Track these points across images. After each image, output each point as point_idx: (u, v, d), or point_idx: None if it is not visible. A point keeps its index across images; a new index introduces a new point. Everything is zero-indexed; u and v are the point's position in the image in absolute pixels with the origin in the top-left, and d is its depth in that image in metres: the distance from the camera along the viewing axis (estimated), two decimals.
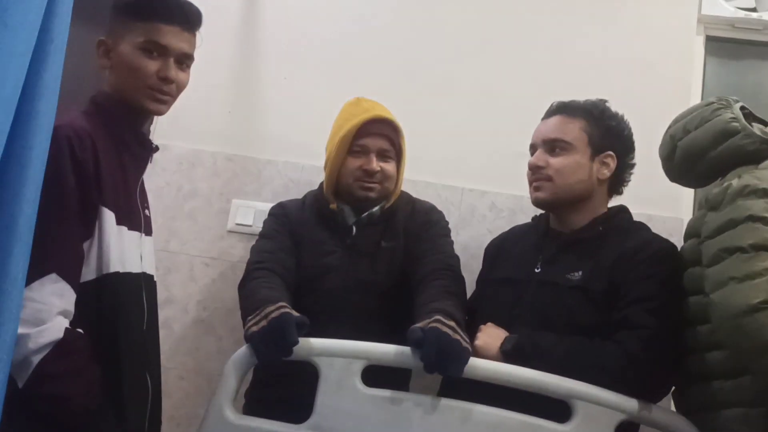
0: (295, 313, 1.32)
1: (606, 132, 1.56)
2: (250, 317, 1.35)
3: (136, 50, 1.33)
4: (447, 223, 1.79)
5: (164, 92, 1.36)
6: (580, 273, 1.46)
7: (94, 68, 1.42)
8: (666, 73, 2.15)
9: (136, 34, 1.33)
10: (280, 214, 1.75)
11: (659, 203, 2.02)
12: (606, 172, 1.56)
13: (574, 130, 1.55)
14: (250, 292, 1.48)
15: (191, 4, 1.41)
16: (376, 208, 1.70)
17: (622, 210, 1.60)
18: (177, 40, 1.35)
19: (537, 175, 1.56)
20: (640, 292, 1.39)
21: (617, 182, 1.61)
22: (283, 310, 1.31)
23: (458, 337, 1.27)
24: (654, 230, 1.58)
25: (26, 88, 1.00)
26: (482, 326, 1.47)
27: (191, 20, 1.39)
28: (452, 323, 1.29)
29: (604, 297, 1.42)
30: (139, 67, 1.33)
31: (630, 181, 1.63)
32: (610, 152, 1.56)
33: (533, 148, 1.61)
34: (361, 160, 1.68)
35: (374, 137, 1.68)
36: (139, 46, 1.33)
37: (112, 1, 1.40)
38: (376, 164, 1.67)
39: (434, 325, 1.28)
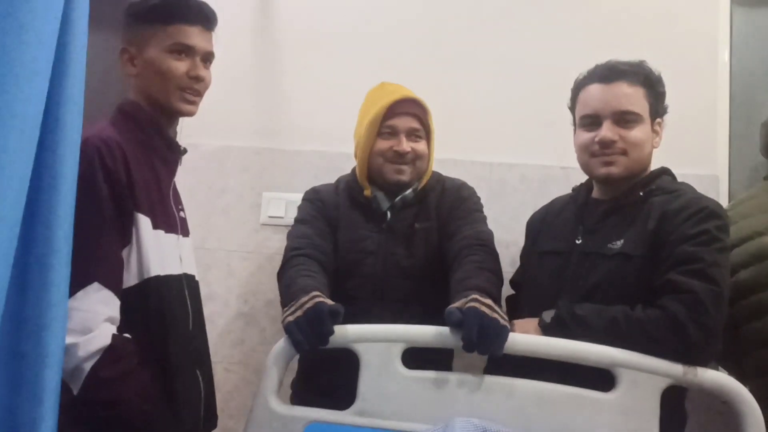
0: (329, 302, 1.32)
1: (658, 99, 1.51)
2: (285, 308, 1.36)
3: (164, 53, 1.36)
4: (479, 198, 1.77)
5: (195, 91, 1.40)
6: (622, 241, 1.42)
7: (115, 77, 1.43)
8: (692, 26, 2.09)
9: (160, 38, 1.36)
10: (314, 199, 1.75)
11: (692, 161, 1.97)
12: (659, 140, 1.52)
13: (640, 100, 1.47)
14: (289, 280, 1.48)
15: (206, 4, 1.43)
16: (408, 191, 1.70)
17: (664, 171, 1.53)
18: (200, 40, 1.39)
19: (611, 149, 1.46)
20: (684, 253, 1.32)
21: None
22: (316, 300, 1.31)
23: (496, 316, 1.25)
24: None
25: (50, 100, 1.01)
26: (514, 321, 1.42)
27: (210, 19, 1.42)
28: (489, 301, 1.28)
29: (647, 263, 1.37)
30: (169, 69, 1.36)
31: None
32: (660, 119, 1.52)
33: (594, 118, 1.48)
34: (392, 141, 1.67)
35: (403, 117, 1.67)
36: (166, 49, 1.36)
37: (125, 9, 1.42)
38: (406, 145, 1.66)
39: (472, 304, 1.26)
